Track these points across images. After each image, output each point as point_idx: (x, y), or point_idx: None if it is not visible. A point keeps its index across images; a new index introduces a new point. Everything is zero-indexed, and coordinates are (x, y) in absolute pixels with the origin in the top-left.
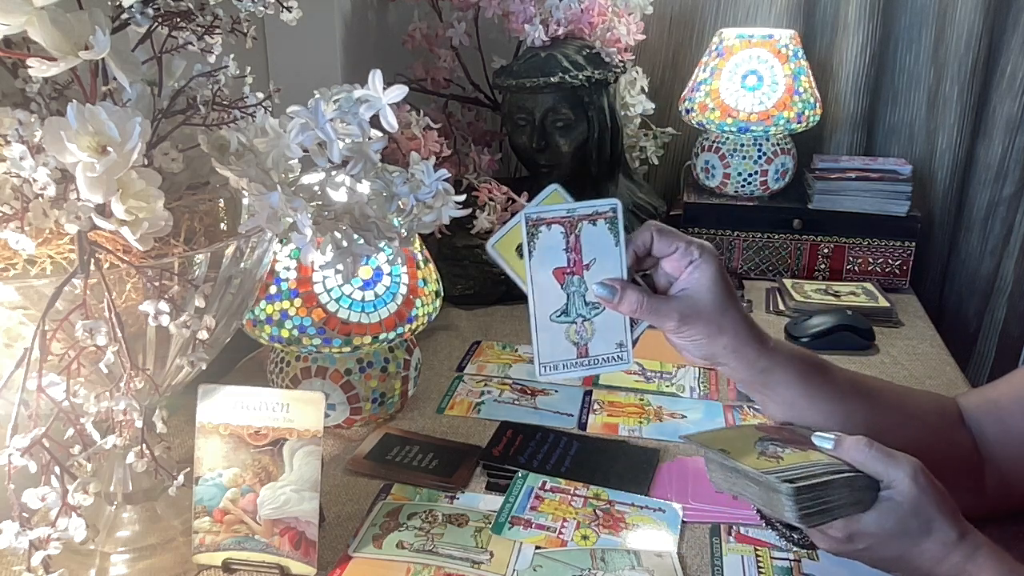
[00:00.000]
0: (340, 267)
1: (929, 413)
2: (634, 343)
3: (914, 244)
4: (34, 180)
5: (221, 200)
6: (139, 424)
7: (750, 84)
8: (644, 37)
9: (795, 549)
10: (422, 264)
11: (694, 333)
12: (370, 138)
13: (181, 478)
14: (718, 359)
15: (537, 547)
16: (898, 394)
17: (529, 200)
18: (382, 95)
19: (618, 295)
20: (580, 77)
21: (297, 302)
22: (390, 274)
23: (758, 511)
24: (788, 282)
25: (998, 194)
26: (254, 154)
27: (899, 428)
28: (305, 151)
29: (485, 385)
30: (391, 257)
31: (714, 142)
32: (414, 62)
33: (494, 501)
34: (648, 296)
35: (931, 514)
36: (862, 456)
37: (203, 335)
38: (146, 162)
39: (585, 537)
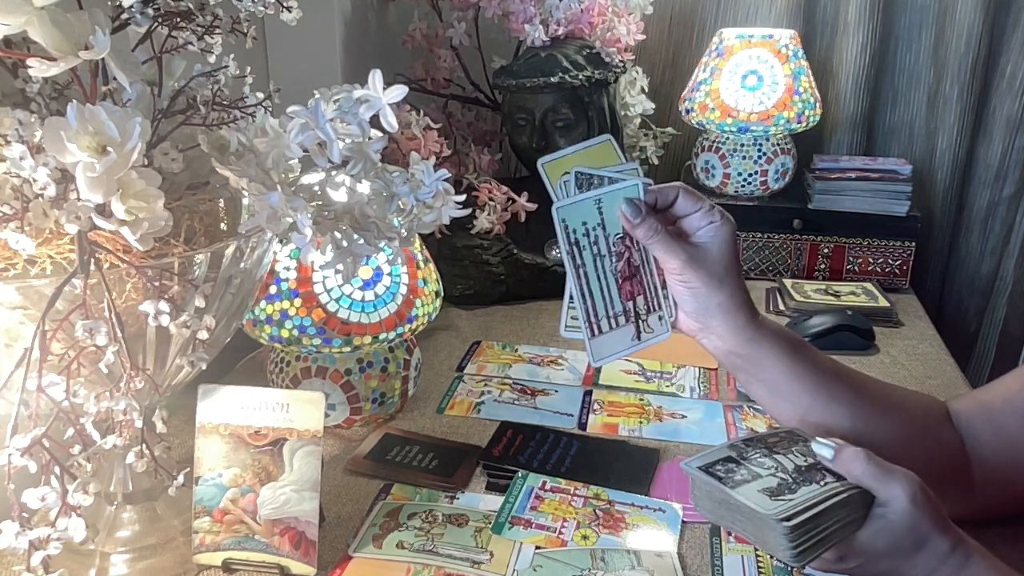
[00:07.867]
0: (340, 267)
1: (914, 407)
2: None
3: (914, 244)
4: (34, 180)
5: (221, 200)
6: (139, 424)
7: (750, 84)
8: (644, 37)
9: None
10: (422, 264)
11: (695, 280)
12: (370, 138)
13: (181, 478)
14: (710, 317)
15: (537, 547)
16: (882, 386)
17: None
18: (382, 95)
19: (641, 216)
20: (580, 77)
21: (297, 302)
22: (390, 274)
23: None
24: (788, 282)
25: (998, 194)
26: (254, 154)
27: (884, 416)
28: (305, 151)
29: (485, 385)
30: (391, 257)
31: (714, 142)
32: (414, 62)
33: (494, 501)
34: (664, 229)
35: (926, 531)
36: (859, 470)
37: (203, 335)
38: (146, 162)
39: (585, 537)
